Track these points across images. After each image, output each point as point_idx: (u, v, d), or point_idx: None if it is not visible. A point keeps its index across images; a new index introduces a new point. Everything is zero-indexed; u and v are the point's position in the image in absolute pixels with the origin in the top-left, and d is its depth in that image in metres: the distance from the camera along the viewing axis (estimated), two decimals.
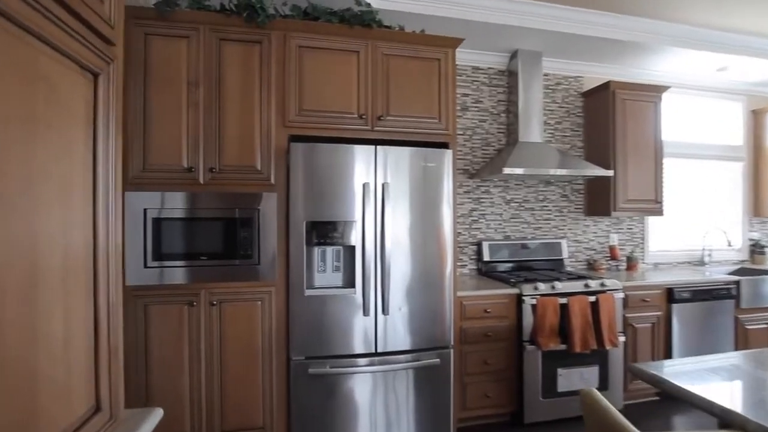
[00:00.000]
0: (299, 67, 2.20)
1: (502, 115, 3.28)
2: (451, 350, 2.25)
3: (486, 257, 3.06)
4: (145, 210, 2.04)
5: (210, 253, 2.09)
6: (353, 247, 2.11)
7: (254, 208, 2.12)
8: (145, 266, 2.04)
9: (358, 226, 2.10)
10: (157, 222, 2.05)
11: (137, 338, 2.05)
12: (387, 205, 2.09)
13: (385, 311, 2.10)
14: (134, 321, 2.05)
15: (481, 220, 3.19)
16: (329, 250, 2.16)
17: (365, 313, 2.08)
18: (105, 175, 0.85)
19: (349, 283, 2.15)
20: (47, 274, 0.65)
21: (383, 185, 2.11)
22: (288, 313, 2.13)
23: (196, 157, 2.10)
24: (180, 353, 2.07)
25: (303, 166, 2.07)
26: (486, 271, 3.06)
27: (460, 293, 2.40)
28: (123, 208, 2.04)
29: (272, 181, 2.16)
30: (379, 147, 2.14)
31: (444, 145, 2.36)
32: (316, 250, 2.15)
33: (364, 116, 2.24)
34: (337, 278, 2.17)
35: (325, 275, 2.16)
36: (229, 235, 2.10)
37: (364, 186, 2.09)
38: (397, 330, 2.14)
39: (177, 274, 2.06)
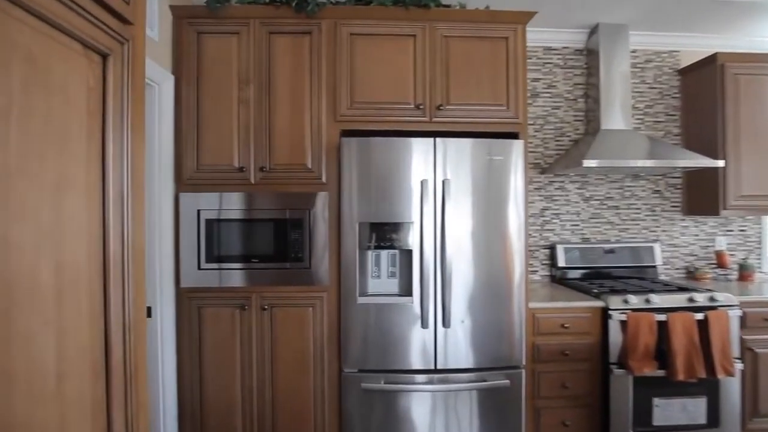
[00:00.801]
0: (351, 56, 2.04)
1: (580, 100, 2.88)
2: (523, 370, 1.96)
3: (560, 262, 2.70)
4: (198, 211, 2.02)
5: (261, 256, 2.01)
6: (410, 251, 1.91)
7: (305, 209, 2.01)
8: (199, 268, 2.02)
9: (415, 227, 1.90)
10: (211, 223, 2.01)
11: (191, 340, 2.03)
12: (448, 204, 1.87)
13: (445, 323, 1.87)
14: (188, 323, 2.03)
15: (554, 221, 2.83)
16: (384, 254, 1.99)
17: (423, 324, 1.87)
18: (118, 175, 0.73)
19: (406, 290, 1.95)
20: (29, 293, 0.52)
21: (443, 182, 1.89)
22: (340, 321, 1.98)
23: (247, 157, 2.03)
24: (232, 358, 2.02)
25: (355, 163, 1.91)
26: (560, 279, 2.69)
27: (532, 305, 2.10)
28: (178, 210, 2.03)
29: (323, 179, 2.03)
30: (438, 139, 1.92)
31: (513, 136, 2.07)
32: (370, 254, 1.99)
33: (421, 106, 2.03)
34: (393, 285, 1.98)
35: (380, 281, 1.98)
36: (280, 237, 2.01)
37: (423, 183, 1.88)
38: (459, 345, 1.90)
39: (230, 276, 2.01)
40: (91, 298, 0.65)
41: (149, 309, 1.91)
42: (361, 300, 1.90)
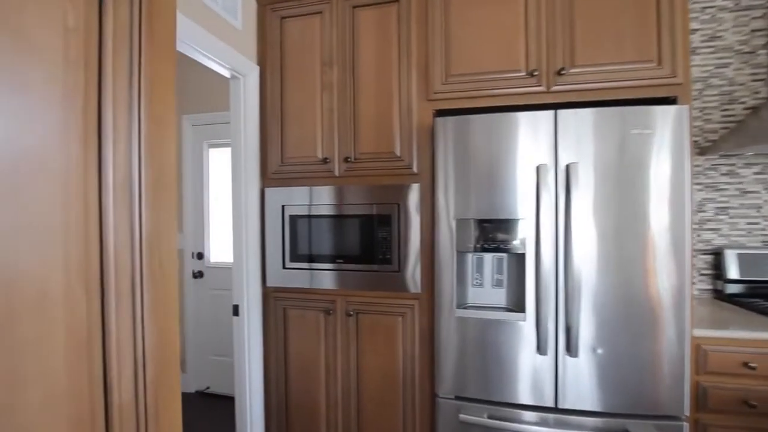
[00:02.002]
0: (445, 21, 1.71)
1: (760, 53, 2.11)
2: (684, 423, 1.43)
3: (731, 273, 2.00)
4: (282, 207, 1.90)
5: (347, 256, 1.81)
6: (522, 256, 1.52)
7: (394, 203, 1.75)
8: (284, 267, 1.90)
9: (529, 225, 1.50)
10: (294, 219, 1.88)
11: (277, 341, 1.93)
12: (574, 196, 1.43)
13: (571, 350, 1.44)
14: (274, 324, 1.93)
15: (720, 217, 2.12)
16: (488, 258, 1.63)
17: (540, 350, 1.47)
18: (124, 157, 0.53)
19: (517, 304, 1.57)
20: None
21: (568, 167, 1.45)
22: (433, 336, 1.69)
23: (331, 146, 1.85)
24: (316, 364, 1.86)
25: (452, 148, 1.58)
26: (730, 295, 2.00)
27: (697, 332, 1.53)
28: (263, 205, 1.94)
29: (414, 169, 1.74)
30: (561, 112, 1.48)
31: (667, 101, 1.53)
32: (470, 258, 1.64)
33: (535, 73, 1.61)
34: (499, 296, 1.61)
35: (482, 291, 1.63)
36: (366, 235, 1.78)
37: (539, 169, 1.47)
38: (587, 380, 1.46)
39: (314, 277, 1.86)
40: (71, 326, 0.46)
41: (236, 307, 1.84)
42: (459, 312, 1.57)
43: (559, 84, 1.60)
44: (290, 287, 1.90)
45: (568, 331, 1.45)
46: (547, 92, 1.62)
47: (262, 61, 1.95)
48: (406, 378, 1.74)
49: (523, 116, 1.51)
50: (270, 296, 1.94)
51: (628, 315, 1.44)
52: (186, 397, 3.00)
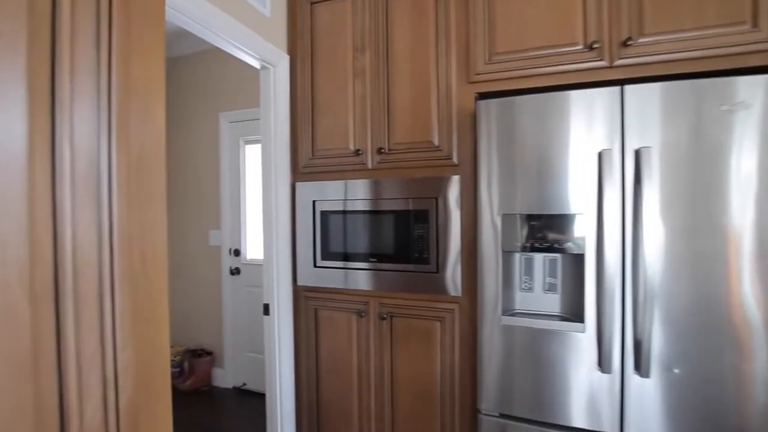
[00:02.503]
0: None
1: None
2: None
3: None
4: (314, 202, 1.80)
5: (380, 255, 1.68)
6: (580, 257, 1.32)
7: (431, 198, 1.60)
8: (315, 265, 1.81)
9: (588, 222, 1.29)
10: (326, 216, 1.78)
11: (308, 343, 1.84)
12: (646, 187, 1.21)
13: (640, 369, 1.22)
14: (305, 324, 1.84)
15: None
16: (538, 258, 1.43)
17: (602, 366, 1.26)
18: (90, 135, 0.43)
19: (573, 313, 1.37)
20: None
21: (638, 152, 1.23)
22: (476, 345, 1.52)
23: (363, 137, 1.73)
24: (348, 369, 1.75)
25: (496, 134, 1.40)
26: None
27: None
28: (294, 200, 1.86)
29: (454, 159, 1.58)
30: (629, 88, 1.26)
31: (764, 71, 1.26)
32: (518, 258, 1.46)
33: (596, 45, 1.39)
34: (552, 303, 1.41)
35: (532, 296, 1.44)
36: (401, 232, 1.65)
37: (601, 156, 1.26)
38: (662, 405, 1.23)
39: (345, 277, 1.75)
40: (7, 340, 0.36)
41: (266, 306, 1.77)
42: (505, 320, 1.39)
43: (625, 57, 1.37)
44: (321, 287, 1.80)
45: (637, 345, 1.23)
46: (610, 67, 1.40)
47: (292, 50, 1.87)
48: (445, 389, 1.59)
49: (580, 95, 1.31)
50: (301, 295, 1.85)
51: (712, 328, 1.20)
52: (223, 392, 3.02)
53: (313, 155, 1.82)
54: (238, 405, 2.85)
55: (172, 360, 3.15)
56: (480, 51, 1.54)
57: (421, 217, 1.61)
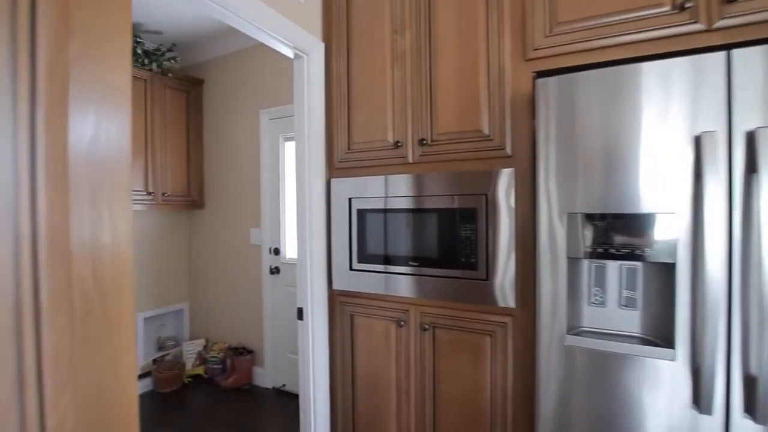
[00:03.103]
0: None
1: None
2: None
3: None
4: (350, 200, 1.67)
5: (422, 258, 1.51)
6: (669, 266, 1.06)
7: (479, 194, 1.40)
8: (351, 268, 1.67)
9: (680, 222, 1.04)
10: (362, 214, 1.64)
11: (344, 351, 1.71)
12: (764, 178, 0.94)
13: (755, 413, 0.96)
14: (341, 331, 1.72)
15: None
16: (613, 267, 1.19)
17: (699, 405, 1.01)
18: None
19: (659, 334, 1.12)
20: None
21: (751, 135, 0.96)
22: (533, 366, 1.31)
23: (404, 128, 1.56)
24: (386, 382, 1.60)
25: (560, 117, 1.18)
26: None
27: None
28: (329, 198, 1.73)
29: (507, 150, 1.37)
30: (737, 53, 0.99)
31: None
32: (587, 266, 1.23)
33: (688, 4, 1.13)
34: (630, 321, 1.17)
35: (604, 312, 1.20)
36: (445, 233, 1.47)
37: (701, 141, 1.00)
38: None
39: (383, 282, 1.59)
40: None
41: (300, 311, 1.66)
42: (569, 339, 1.17)
43: (729, 16, 1.10)
44: (357, 292, 1.67)
45: (749, 381, 0.96)
46: (708, 31, 1.13)
47: (327, 37, 1.74)
48: (496, 413, 1.39)
49: (670, 65, 1.05)
50: (336, 300, 1.73)
51: None
52: (262, 392, 3.00)
53: (349, 149, 1.69)
54: (278, 406, 2.80)
55: (214, 357, 3.18)
56: (539, 22, 1.32)
57: (468, 216, 1.42)
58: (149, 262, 3.21)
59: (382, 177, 1.59)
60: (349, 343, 1.69)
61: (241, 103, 3.14)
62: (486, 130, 1.40)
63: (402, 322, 1.56)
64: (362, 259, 1.64)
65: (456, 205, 1.44)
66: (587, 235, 1.17)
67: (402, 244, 1.55)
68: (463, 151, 1.44)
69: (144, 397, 2.97)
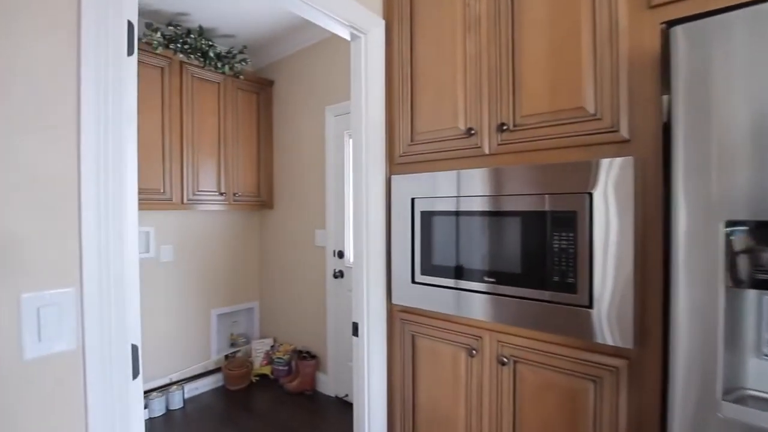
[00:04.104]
0: None
1: None
2: None
3: None
4: (412, 200, 1.42)
5: (500, 273, 1.20)
6: None
7: (581, 193, 1.06)
8: (413, 281, 1.42)
9: None
10: (427, 218, 1.38)
11: (403, 379, 1.46)
12: None
13: None
14: (401, 352, 1.47)
15: None
16: None
17: None
18: None
19: None
20: None
21: None
22: None
23: (477, 112, 1.27)
24: (453, 423, 1.32)
25: (708, 79, 0.80)
26: None
27: None
28: (389, 197, 1.50)
29: (623, 133, 1.01)
30: None
31: None
32: (754, 300, 0.83)
33: None
34: None
35: None
36: (531, 243, 1.14)
37: None
38: None
39: (451, 299, 1.32)
40: None
41: (355, 326, 1.46)
42: (729, 408, 0.78)
43: None
44: (420, 309, 1.41)
45: None
46: None
47: (387, 13, 1.51)
48: None
49: None
50: (396, 317, 1.49)
51: None
52: (324, 400, 2.88)
53: (412, 140, 1.44)
54: (339, 417, 2.66)
55: (280, 358, 3.15)
56: None
57: (563, 221, 1.08)
58: (224, 260, 3.28)
59: (452, 173, 1.31)
60: (410, 369, 1.44)
61: (307, 101, 3.07)
62: (590, 108, 1.06)
63: (474, 351, 1.26)
64: (427, 270, 1.38)
65: (547, 206, 1.11)
66: (758, 253, 0.78)
67: (475, 255, 1.26)
68: (558, 136, 1.11)
69: (215, 393, 3.03)
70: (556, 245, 1.09)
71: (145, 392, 2.72)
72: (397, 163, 1.49)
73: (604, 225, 1.02)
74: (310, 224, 3.08)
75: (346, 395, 2.83)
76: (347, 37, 1.49)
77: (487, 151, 1.25)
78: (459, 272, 1.30)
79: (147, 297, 2.83)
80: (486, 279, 1.23)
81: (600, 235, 1.03)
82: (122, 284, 0.84)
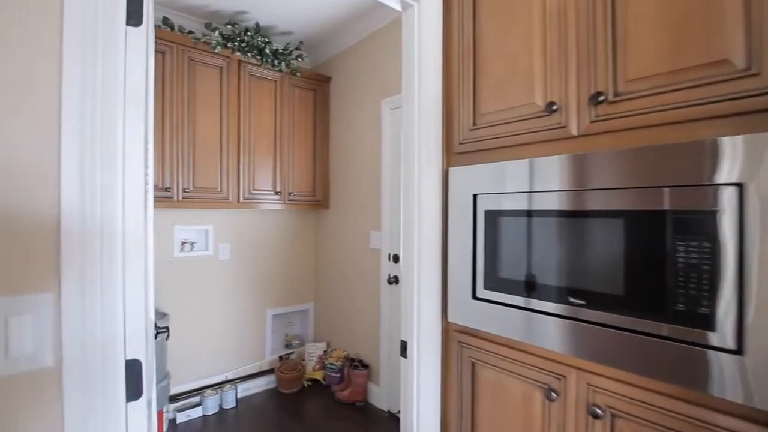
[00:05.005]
0: None
1: None
2: None
3: None
4: (474, 197, 1.16)
5: (593, 294, 0.90)
6: None
7: (724, 185, 0.73)
8: (474, 296, 1.16)
9: None
10: (494, 218, 1.11)
11: (460, 414, 1.20)
12: None
13: None
14: (458, 383, 1.22)
15: None
16: None
17: None
18: None
19: None
20: None
21: None
22: None
23: (562, 81, 0.98)
24: None
25: None
26: None
27: None
28: (446, 194, 1.25)
29: None
30: None
31: None
32: None
33: None
34: None
35: None
36: (639, 254, 0.83)
37: None
38: None
39: (524, 322, 1.04)
40: None
41: (404, 345, 1.23)
42: None
43: None
44: (483, 331, 1.14)
45: None
46: None
47: None
48: None
49: None
50: (452, 338, 1.24)
51: None
52: (376, 414, 2.68)
53: (474, 123, 1.18)
54: None
55: (332, 365, 3.01)
56: None
57: (694, 224, 0.76)
58: (279, 260, 3.25)
59: (525, 161, 1.03)
60: (469, 404, 1.18)
61: (363, 96, 2.91)
62: (739, 60, 0.72)
63: (554, 393, 0.97)
64: (492, 284, 1.11)
65: (667, 204, 0.79)
66: None
67: (557, 268, 0.97)
68: (683, 104, 0.79)
69: (267, 394, 2.99)
70: (682, 259, 0.77)
71: (200, 389, 2.74)
72: (455, 152, 1.23)
73: (760, 232, 0.69)
74: (365, 225, 2.92)
75: (399, 411, 2.60)
76: (398, 6, 1.27)
77: (574, 132, 0.95)
78: (534, 289, 1.01)
79: (205, 295, 2.86)
80: (572, 300, 0.94)
81: (754, 246, 0.69)
82: (114, 289, 0.70)
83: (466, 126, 1.20)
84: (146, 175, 0.77)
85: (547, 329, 0.98)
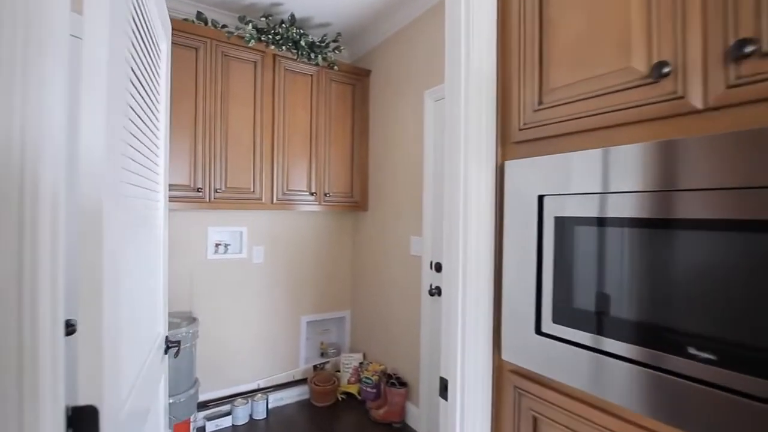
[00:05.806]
0: None
1: None
2: None
3: None
4: (540, 199, 0.88)
5: (729, 346, 0.60)
6: None
7: None
8: (539, 330, 0.88)
9: None
10: (565, 227, 0.83)
11: None
12: None
13: None
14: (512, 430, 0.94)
15: None
16: None
17: None
18: None
19: None
20: None
21: None
22: None
23: (677, 32, 0.67)
24: None
25: None
26: None
27: None
28: (501, 196, 0.98)
29: None
30: None
31: None
32: None
33: None
34: None
35: None
36: None
37: None
38: None
39: (615, 376, 0.74)
40: None
41: (444, 384, 0.98)
42: None
43: None
44: (550, 378, 0.86)
45: None
46: None
47: None
48: None
49: None
50: (507, 379, 0.96)
51: None
52: None
53: (540, 102, 0.90)
54: None
55: (368, 379, 2.80)
56: None
57: None
58: (314, 264, 3.09)
59: (619, 150, 0.74)
60: None
61: (405, 88, 2.67)
62: None
63: None
64: (564, 316, 0.83)
65: None
66: None
67: (669, 301, 0.67)
68: None
69: (299, 406, 2.83)
70: None
71: (231, 397, 2.63)
72: (514, 141, 0.96)
73: None
74: (405, 229, 2.67)
75: None
76: None
77: (699, 104, 0.65)
78: (630, 329, 0.72)
79: (239, 298, 2.76)
80: (694, 353, 0.63)
81: None
82: (55, 322, 0.51)
83: (529, 106, 0.92)
84: None
85: (648, 386, 0.68)
